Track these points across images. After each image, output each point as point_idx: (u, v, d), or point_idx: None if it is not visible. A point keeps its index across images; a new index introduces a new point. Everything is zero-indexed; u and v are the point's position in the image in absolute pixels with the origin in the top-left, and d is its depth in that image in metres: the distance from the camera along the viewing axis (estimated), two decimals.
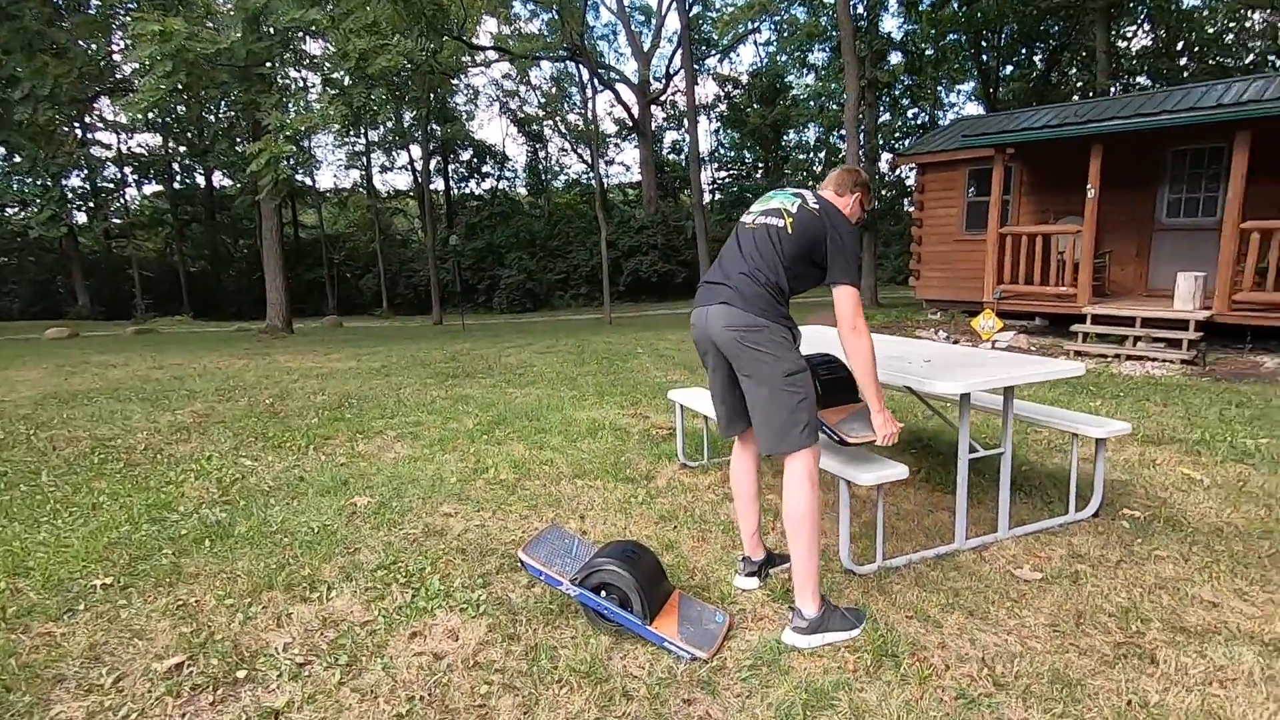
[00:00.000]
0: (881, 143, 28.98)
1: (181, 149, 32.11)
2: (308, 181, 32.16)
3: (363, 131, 31.32)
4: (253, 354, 10.01)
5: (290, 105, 13.99)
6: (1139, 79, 28.24)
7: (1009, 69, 30.65)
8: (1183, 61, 27.83)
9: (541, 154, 39.33)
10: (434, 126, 30.86)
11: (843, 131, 33.07)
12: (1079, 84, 29.17)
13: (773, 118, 33.71)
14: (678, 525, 3.11)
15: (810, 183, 36.93)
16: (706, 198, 33.74)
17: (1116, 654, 2.07)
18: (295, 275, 26.71)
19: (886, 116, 29.53)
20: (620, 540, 2.45)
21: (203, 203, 33.88)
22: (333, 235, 35.84)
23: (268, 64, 13.15)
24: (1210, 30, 29.75)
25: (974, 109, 33.41)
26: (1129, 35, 29.43)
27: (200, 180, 34.30)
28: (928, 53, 25.12)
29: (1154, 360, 7.23)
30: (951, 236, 11.44)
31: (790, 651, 2.13)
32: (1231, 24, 29.96)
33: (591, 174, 38.66)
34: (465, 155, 36.94)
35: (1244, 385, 6.04)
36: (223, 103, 25.14)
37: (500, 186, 38.30)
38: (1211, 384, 6.15)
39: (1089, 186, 8.26)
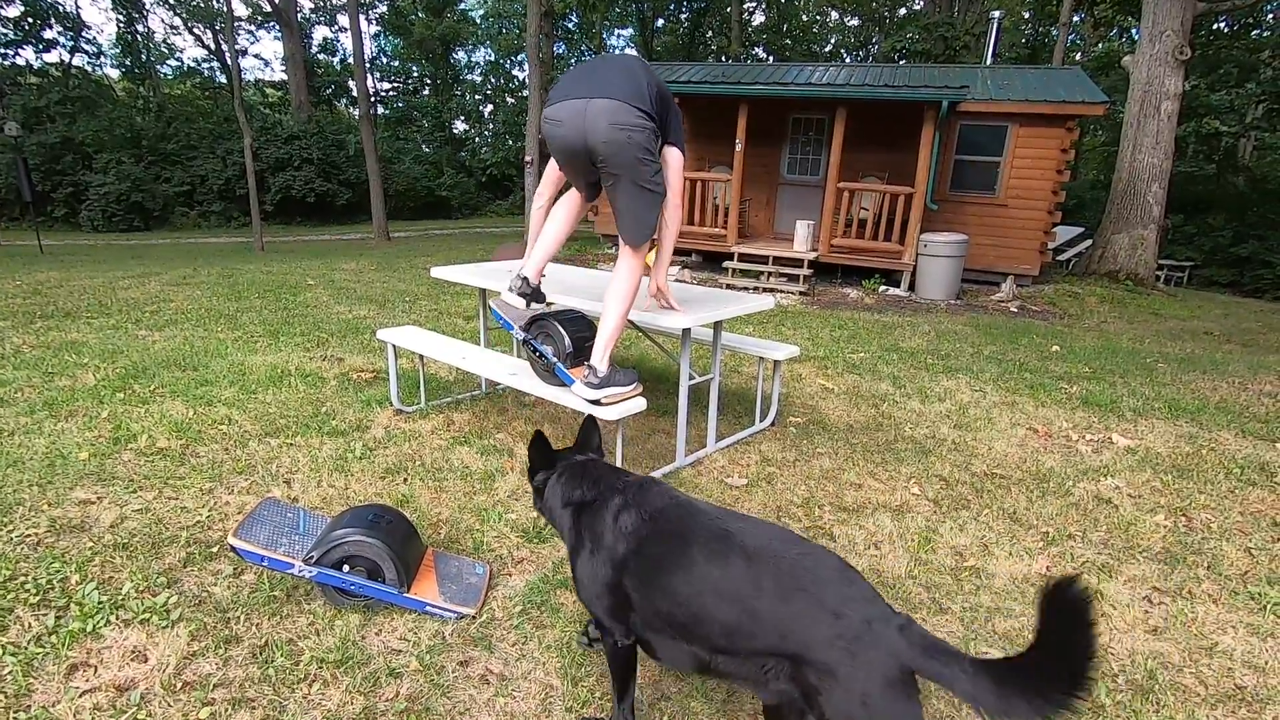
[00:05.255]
0: (557, 76, 29.33)
1: None
2: None
3: None
4: None
5: None
6: (757, 50, 33.19)
7: (661, 22, 33.34)
8: (788, 41, 33.49)
9: (140, 28, 30.81)
10: None
11: (519, 58, 32.55)
12: (714, 47, 33.19)
13: (441, 30, 31.54)
14: (408, 477, 2.86)
15: (490, 108, 35.78)
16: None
17: (809, 537, 2.55)
18: None
19: (562, 49, 29.94)
20: (361, 505, 2.16)
21: None
22: None
23: None
24: (805, 18, 36.35)
25: (632, 54, 35.80)
26: (751, 11, 34.21)
27: None
28: None
29: (782, 292, 8.87)
30: None
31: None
32: (818, 16, 37.00)
33: (215, 62, 31.80)
34: (11, 11, 27.00)
35: (840, 312, 7.79)
36: None
37: (76, 63, 29.09)
38: (820, 311, 7.81)
39: (737, 140, 9.55)
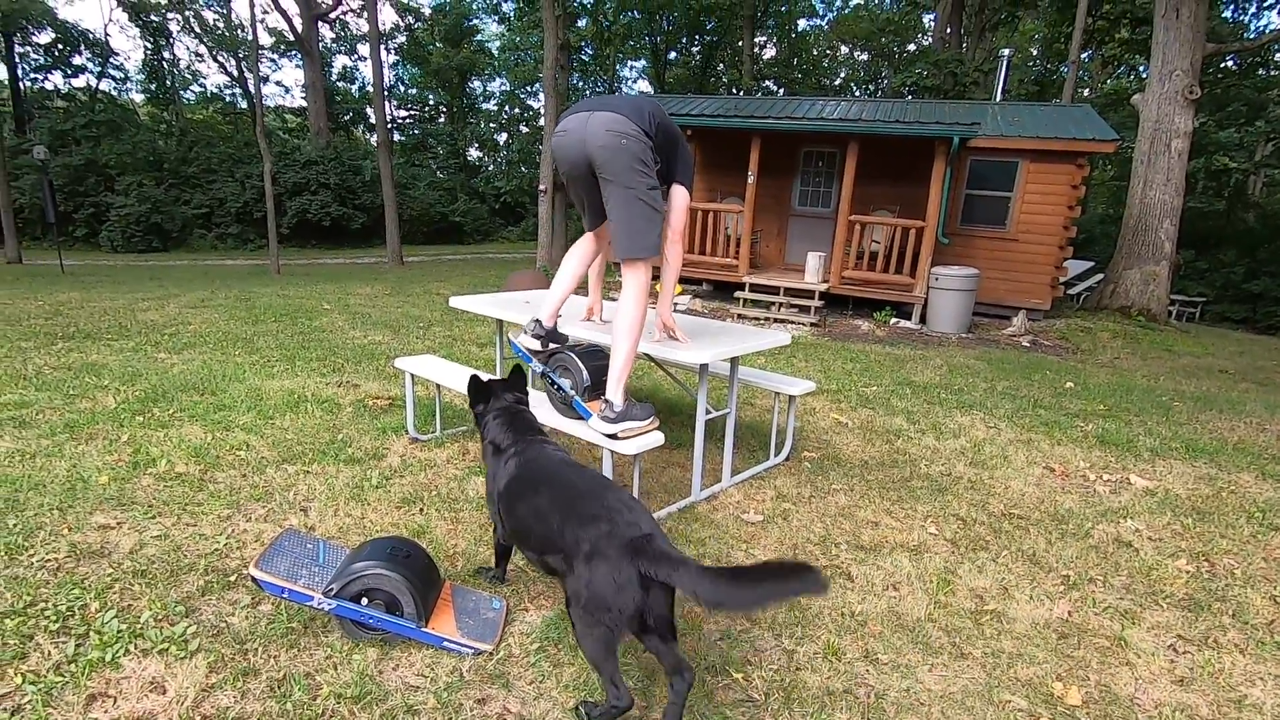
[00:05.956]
0: (571, 106, 29.90)
1: None
2: None
3: None
4: None
5: None
6: (768, 83, 33.67)
7: (673, 55, 33.95)
8: (799, 75, 33.98)
9: (166, 55, 31.65)
10: None
11: (534, 88, 33.20)
12: (725, 80, 33.69)
13: (458, 61, 32.23)
14: (424, 508, 2.86)
15: (505, 136, 36.31)
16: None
17: (826, 575, 2.53)
18: None
19: (577, 80, 30.49)
20: (380, 538, 2.16)
21: None
22: None
23: None
24: (815, 52, 36.92)
25: (644, 86, 36.45)
26: (762, 45, 34.78)
27: None
28: (610, 25, 26.40)
29: (793, 323, 8.89)
30: None
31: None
32: (828, 50, 37.58)
33: (237, 89, 32.56)
34: (43, 38, 27.83)
35: (852, 344, 7.80)
36: None
37: (103, 88, 29.87)
38: (832, 343, 7.81)
39: (750, 173, 9.66)
